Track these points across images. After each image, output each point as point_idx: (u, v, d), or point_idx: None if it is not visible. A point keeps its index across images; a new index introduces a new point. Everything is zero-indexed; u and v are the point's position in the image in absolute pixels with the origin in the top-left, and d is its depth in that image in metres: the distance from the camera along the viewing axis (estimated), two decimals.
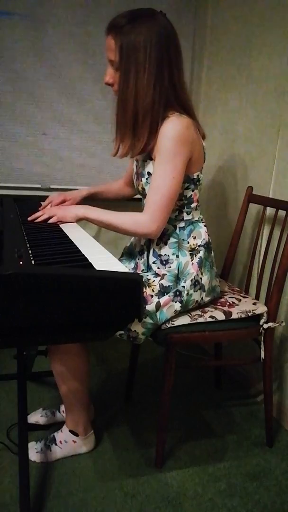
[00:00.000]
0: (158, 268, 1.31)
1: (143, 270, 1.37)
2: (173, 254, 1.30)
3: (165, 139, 1.18)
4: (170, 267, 1.30)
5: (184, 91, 1.25)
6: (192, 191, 1.31)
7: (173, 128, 1.18)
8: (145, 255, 1.37)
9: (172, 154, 1.18)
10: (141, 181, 1.32)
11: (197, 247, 1.32)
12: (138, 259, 1.40)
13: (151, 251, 1.34)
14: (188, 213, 1.32)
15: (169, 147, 1.18)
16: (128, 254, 1.51)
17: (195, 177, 1.29)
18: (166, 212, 1.23)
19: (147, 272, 1.35)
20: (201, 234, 1.34)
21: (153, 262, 1.33)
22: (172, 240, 1.31)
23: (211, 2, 2.02)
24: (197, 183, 1.31)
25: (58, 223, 1.32)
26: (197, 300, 1.32)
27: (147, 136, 1.21)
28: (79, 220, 1.31)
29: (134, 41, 1.14)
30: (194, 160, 1.26)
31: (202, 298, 1.33)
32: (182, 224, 1.32)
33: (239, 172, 1.86)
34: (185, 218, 1.32)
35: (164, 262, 1.31)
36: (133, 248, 1.49)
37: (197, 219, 1.35)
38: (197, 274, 1.30)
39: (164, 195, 1.21)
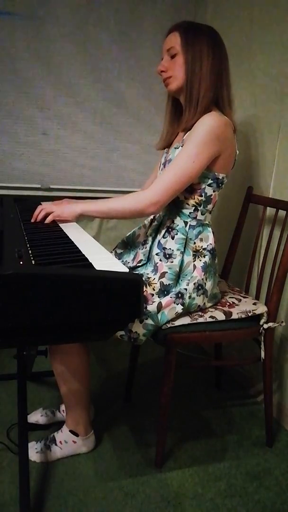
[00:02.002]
0: (160, 260, 1.31)
1: (141, 260, 1.36)
2: (177, 250, 1.30)
3: (200, 126, 1.22)
4: (172, 262, 1.29)
5: (231, 98, 1.33)
6: (213, 191, 1.31)
7: (211, 119, 1.22)
8: (148, 245, 1.37)
9: (201, 142, 1.21)
10: None
11: (201, 249, 1.32)
12: (140, 249, 1.40)
13: (156, 242, 1.34)
14: (202, 213, 1.33)
15: (201, 134, 1.21)
16: (125, 244, 1.50)
17: (220, 178, 1.30)
18: (172, 191, 1.23)
19: (147, 263, 1.35)
20: (209, 238, 1.34)
21: (156, 254, 1.32)
22: (180, 236, 1.31)
23: (210, 2, 2.02)
24: (220, 185, 1.32)
25: (58, 222, 1.32)
26: (199, 305, 1.31)
27: (201, 112, 1.27)
28: (79, 218, 1.30)
29: (199, 35, 1.27)
30: (224, 161, 1.28)
31: (204, 303, 1.33)
32: (193, 223, 1.32)
33: (239, 172, 1.85)
34: (198, 218, 1.33)
35: (167, 256, 1.30)
36: (134, 238, 1.48)
37: (207, 223, 1.36)
38: (202, 279, 1.29)
39: (177, 175, 1.22)
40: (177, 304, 1.26)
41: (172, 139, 1.42)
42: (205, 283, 1.31)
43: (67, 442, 1.40)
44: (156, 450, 1.40)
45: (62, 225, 1.29)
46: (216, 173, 1.28)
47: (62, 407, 1.56)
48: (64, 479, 1.33)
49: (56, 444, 1.40)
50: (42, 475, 1.34)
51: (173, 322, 1.28)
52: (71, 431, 1.40)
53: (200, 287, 1.29)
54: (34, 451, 1.40)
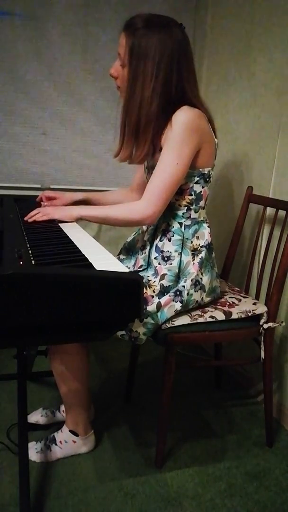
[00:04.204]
0: (159, 264, 1.31)
1: (142, 265, 1.37)
2: (175, 251, 1.30)
3: (174, 125, 1.19)
4: (171, 264, 1.29)
5: (196, 97, 1.25)
6: (202, 187, 1.30)
7: (183, 115, 1.18)
8: (147, 250, 1.37)
9: (179, 141, 1.18)
10: (151, 173, 1.32)
11: (199, 247, 1.32)
12: (139, 254, 1.40)
13: (154, 246, 1.34)
14: (195, 211, 1.32)
15: (177, 133, 1.18)
16: (127, 250, 1.51)
17: (206, 172, 1.29)
18: (164, 198, 1.22)
19: (147, 268, 1.35)
20: (205, 235, 1.34)
21: (155, 258, 1.32)
22: (176, 237, 1.31)
23: (211, 2, 2.02)
24: (208, 179, 1.31)
25: (58, 222, 1.32)
26: (197, 300, 1.31)
27: (147, 146, 1.22)
28: (75, 220, 1.31)
29: (145, 48, 1.16)
30: (206, 154, 1.26)
31: (202, 298, 1.33)
32: (188, 223, 1.32)
33: (239, 172, 1.86)
34: (192, 217, 1.32)
35: (166, 259, 1.31)
36: (134, 244, 1.48)
37: (202, 219, 1.35)
38: (198, 274, 1.29)
39: (165, 181, 1.20)
40: (176, 302, 1.26)
41: None
42: (201, 278, 1.31)
43: (67, 442, 1.40)
44: (156, 450, 1.40)
45: (62, 225, 1.29)
46: (200, 169, 1.27)
47: (62, 407, 1.56)
48: (64, 479, 1.33)
49: (56, 444, 1.40)
50: (42, 475, 1.34)
51: (173, 322, 1.28)
52: (71, 431, 1.40)
53: (197, 283, 1.29)
54: (34, 451, 1.40)
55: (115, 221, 1.26)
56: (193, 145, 1.20)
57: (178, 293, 1.27)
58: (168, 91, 1.20)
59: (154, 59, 1.16)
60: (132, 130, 1.23)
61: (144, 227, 1.45)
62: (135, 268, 1.38)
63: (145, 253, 1.37)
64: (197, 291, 1.30)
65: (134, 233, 1.51)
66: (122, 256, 1.52)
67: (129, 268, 1.42)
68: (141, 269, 1.37)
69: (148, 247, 1.37)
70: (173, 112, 1.20)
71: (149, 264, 1.35)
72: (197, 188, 1.30)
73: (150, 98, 1.18)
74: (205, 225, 1.35)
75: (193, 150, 1.21)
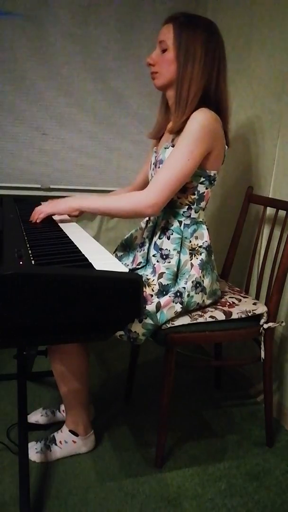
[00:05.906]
0: (157, 261, 1.31)
1: (140, 263, 1.37)
2: (174, 249, 1.30)
3: (192, 123, 1.22)
4: (170, 262, 1.29)
5: (225, 101, 1.30)
6: (206, 188, 1.31)
7: (202, 115, 1.22)
8: (145, 247, 1.37)
9: (194, 138, 1.21)
10: (159, 168, 1.32)
11: (197, 247, 1.32)
12: (138, 251, 1.40)
13: (153, 243, 1.34)
14: (196, 211, 1.33)
15: (193, 131, 1.21)
16: (124, 247, 1.51)
17: (212, 175, 1.30)
18: (169, 191, 1.23)
19: (145, 266, 1.35)
20: (204, 235, 1.34)
21: (153, 255, 1.32)
22: (175, 235, 1.31)
23: (210, 2, 2.02)
24: (212, 181, 1.32)
25: (58, 222, 1.32)
26: (198, 303, 1.31)
27: (190, 113, 1.25)
28: (74, 212, 1.30)
29: (193, 37, 1.24)
30: (215, 157, 1.28)
31: (203, 300, 1.33)
32: (187, 222, 1.32)
33: (239, 172, 1.86)
34: (191, 216, 1.33)
35: (164, 257, 1.31)
36: (132, 240, 1.48)
37: (201, 220, 1.36)
38: (199, 277, 1.29)
39: (173, 175, 1.21)
40: (176, 303, 1.26)
41: (162, 131, 1.42)
42: (203, 281, 1.31)
43: (67, 442, 1.40)
44: (156, 450, 1.40)
45: (62, 225, 1.30)
46: (207, 171, 1.29)
47: (62, 407, 1.56)
48: (64, 479, 1.33)
49: (56, 444, 1.40)
50: (42, 475, 1.34)
51: (173, 322, 1.28)
52: (71, 431, 1.40)
53: (198, 285, 1.29)
54: (34, 451, 1.40)
55: (115, 212, 1.26)
56: (206, 145, 1.23)
57: (178, 294, 1.27)
58: (210, 77, 1.25)
59: (203, 45, 1.24)
60: (183, 103, 1.26)
61: (143, 224, 1.45)
62: (134, 265, 1.38)
63: (143, 250, 1.37)
64: (198, 293, 1.30)
65: (133, 230, 1.51)
66: (119, 253, 1.51)
67: (127, 265, 1.43)
68: (139, 266, 1.37)
69: (147, 244, 1.37)
70: (204, 101, 1.25)
71: (147, 261, 1.35)
72: (201, 188, 1.30)
73: (200, 75, 1.24)
74: (204, 226, 1.35)
75: (205, 150, 1.23)
